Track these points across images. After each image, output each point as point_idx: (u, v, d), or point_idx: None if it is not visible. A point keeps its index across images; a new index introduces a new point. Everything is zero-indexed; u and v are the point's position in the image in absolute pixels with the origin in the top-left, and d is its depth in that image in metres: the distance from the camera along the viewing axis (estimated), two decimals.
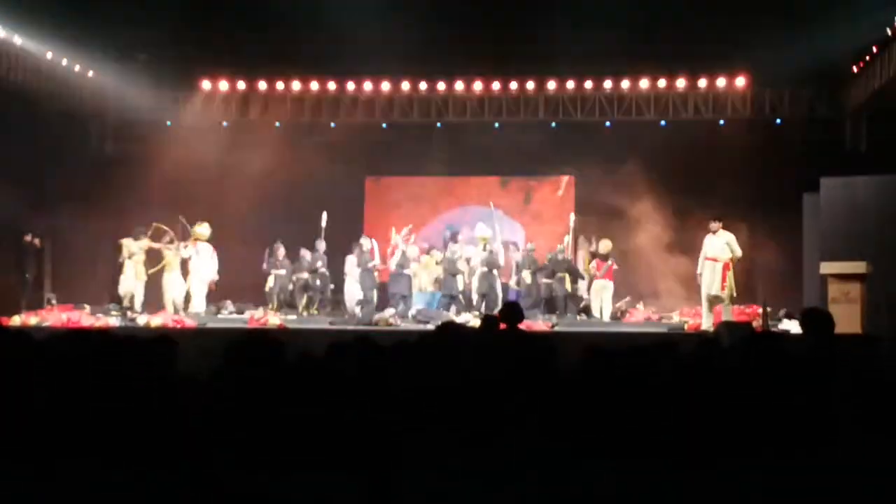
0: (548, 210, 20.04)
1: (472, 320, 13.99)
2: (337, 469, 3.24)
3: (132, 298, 16.06)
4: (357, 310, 16.40)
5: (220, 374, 3.88)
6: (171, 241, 16.36)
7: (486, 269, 16.37)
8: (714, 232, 13.80)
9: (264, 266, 17.13)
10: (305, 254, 17.15)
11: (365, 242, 16.96)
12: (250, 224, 17.91)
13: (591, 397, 3.75)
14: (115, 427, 3.44)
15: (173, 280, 16.25)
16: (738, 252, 13.71)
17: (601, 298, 16.34)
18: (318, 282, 17.11)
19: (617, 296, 16.74)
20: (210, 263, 16.51)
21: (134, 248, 16.11)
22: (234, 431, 3.41)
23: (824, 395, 3.95)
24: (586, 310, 16.71)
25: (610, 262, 16.38)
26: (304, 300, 17.12)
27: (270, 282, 17.07)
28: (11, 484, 3.24)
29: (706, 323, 13.74)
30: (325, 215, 17.08)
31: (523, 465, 3.33)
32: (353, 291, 16.93)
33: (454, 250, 16.87)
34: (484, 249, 16.52)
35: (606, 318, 16.13)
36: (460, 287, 16.55)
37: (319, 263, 17.07)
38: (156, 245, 16.27)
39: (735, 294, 13.81)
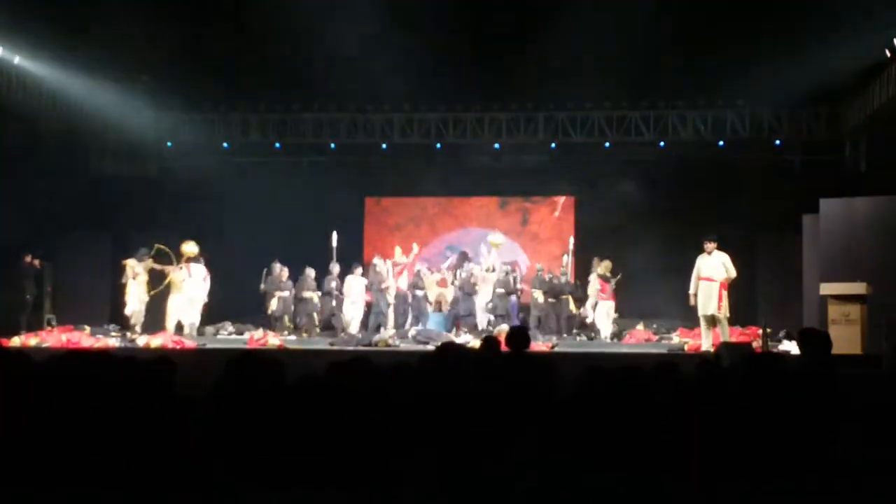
0: (544, 231, 20.08)
1: (472, 341, 13.97)
2: (336, 481, 3.24)
3: (136, 319, 16.05)
4: (357, 331, 16.37)
5: (219, 389, 3.87)
6: (173, 263, 16.37)
7: (502, 290, 16.42)
8: (708, 252, 13.80)
9: (262, 287, 17.08)
10: (310, 272, 17.06)
11: (378, 263, 16.95)
12: (250, 245, 17.89)
13: (591, 416, 3.74)
14: (115, 446, 3.44)
15: (177, 300, 16.23)
16: (733, 272, 13.70)
17: (603, 319, 16.35)
18: (333, 302, 17.04)
19: (618, 315, 16.76)
20: (202, 285, 16.49)
21: (138, 269, 16.09)
22: (233, 445, 3.41)
23: (822, 412, 3.95)
24: (587, 331, 16.71)
25: (612, 283, 16.40)
26: (306, 320, 17.04)
27: (273, 304, 17.00)
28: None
29: (706, 343, 13.71)
30: (335, 236, 17.07)
31: (523, 473, 3.32)
32: (351, 312, 16.89)
33: (469, 269, 16.92)
34: (497, 263, 16.66)
35: (607, 338, 16.13)
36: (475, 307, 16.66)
37: (333, 285, 16.98)
38: (158, 266, 16.26)
39: (729, 314, 13.79)
